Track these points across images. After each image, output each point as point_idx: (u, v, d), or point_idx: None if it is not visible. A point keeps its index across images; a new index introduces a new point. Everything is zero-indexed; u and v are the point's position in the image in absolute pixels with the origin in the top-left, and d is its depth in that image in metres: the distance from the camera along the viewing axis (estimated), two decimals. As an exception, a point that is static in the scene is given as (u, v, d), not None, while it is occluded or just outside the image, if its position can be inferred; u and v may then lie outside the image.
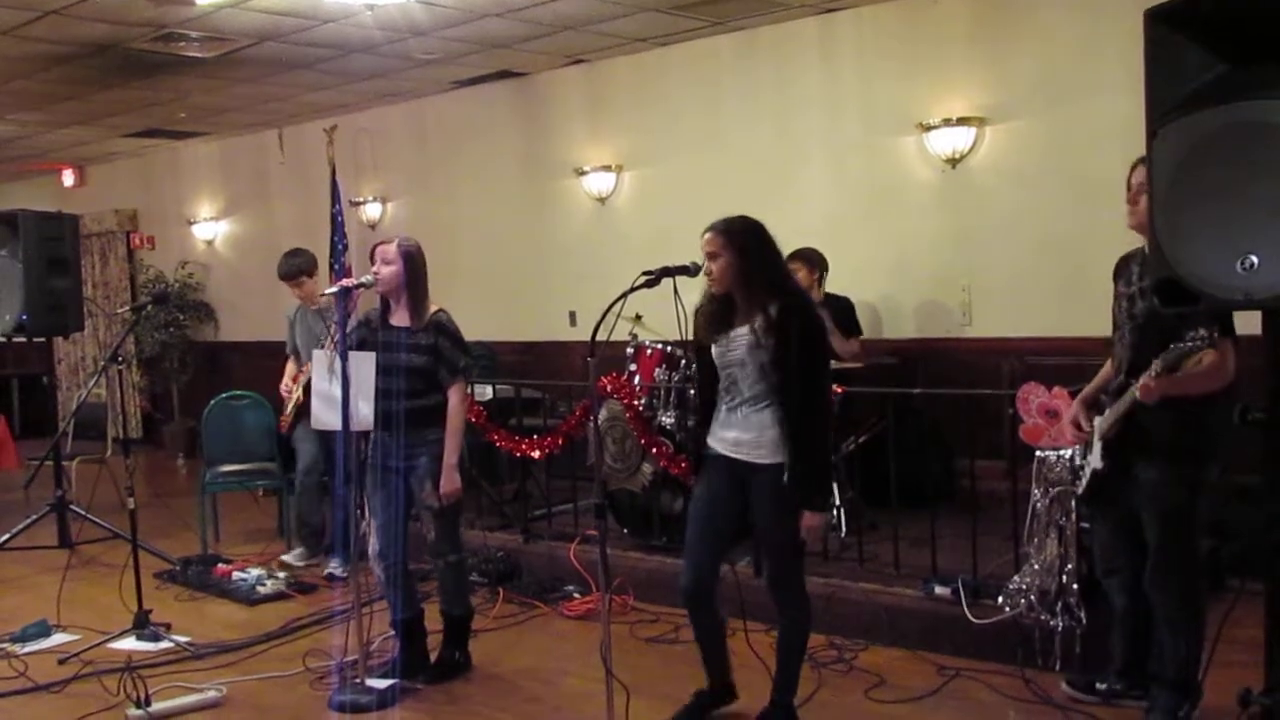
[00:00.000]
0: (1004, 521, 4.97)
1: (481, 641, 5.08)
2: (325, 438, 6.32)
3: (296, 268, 6.55)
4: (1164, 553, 3.72)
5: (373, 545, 4.71)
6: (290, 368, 6.64)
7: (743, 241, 3.83)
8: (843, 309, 6.53)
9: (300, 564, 6.57)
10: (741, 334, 3.86)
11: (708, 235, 3.87)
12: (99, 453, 8.38)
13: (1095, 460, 3.85)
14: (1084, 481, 3.96)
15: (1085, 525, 4.39)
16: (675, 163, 8.14)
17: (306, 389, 6.29)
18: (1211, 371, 3.49)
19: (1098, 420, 3.87)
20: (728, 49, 7.77)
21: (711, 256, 3.85)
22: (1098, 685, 4.14)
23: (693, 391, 5.91)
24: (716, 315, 3.93)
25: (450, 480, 4.56)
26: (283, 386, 6.60)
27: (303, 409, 6.36)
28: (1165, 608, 3.77)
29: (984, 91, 6.72)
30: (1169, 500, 3.69)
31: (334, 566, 6.39)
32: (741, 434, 3.89)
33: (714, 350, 3.94)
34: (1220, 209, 2.80)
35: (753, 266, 3.82)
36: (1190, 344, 3.23)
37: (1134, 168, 3.77)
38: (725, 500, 3.94)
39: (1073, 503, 4.34)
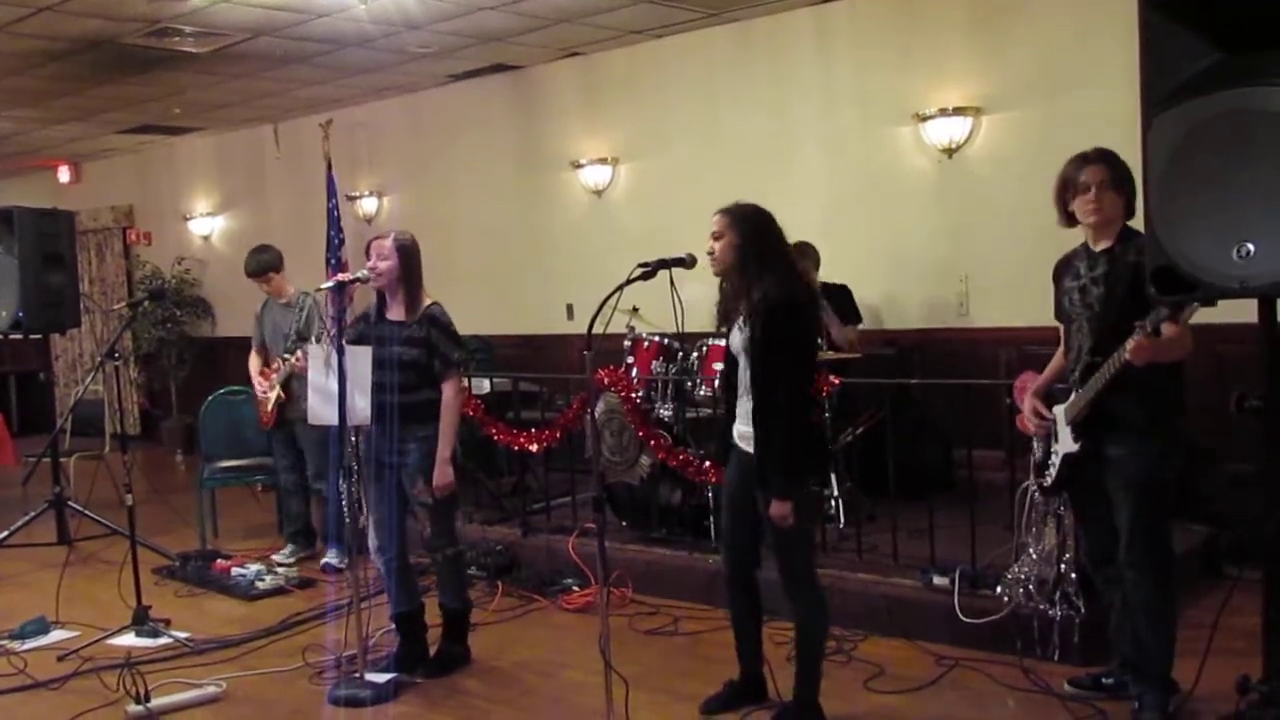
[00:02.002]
0: (1002, 511, 4.98)
1: (480, 635, 5.08)
2: (296, 439, 6.40)
3: (265, 264, 6.54)
4: (1137, 530, 3.73)
5: (372, 540, 4.71)
6: (255, 362, 6.64)
7: (743, 225, 3.85)
8: (840, 296, 6.52)
9: (290, 560, 6.55)
10: (737, 323, 3.91)
11: (716, 216, 3.91)
12: (97, 449, 8.40)
13: (1067, 444, 3.87)
14: (1052, 472, 3.96)
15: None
16: (671, 155, 8.13)
17: (285, 385, 6.34)
18: (1184, 337, 3.53)
19: (1060, 408, 3.89)
20: (723, 40, 7.76)
21: (716, 237, 3.88)
22: (1104, 680, 4.13)
23: (690, 384, 5.95)
24: (723, 305, 3.98)
25: (442, 474, 4.53)
26: (255, 386, 6.60)
27: (283, 406, 6.38)
28: (1141, 588, 3.77)
29: (980, 81, 6.71)
30: (1137, 472, 3.72)
31: (331, 557, 6.42)
32: (742, 425, 3.94)
33: (730, 342, 3.99)
34: (1216, 197, 2.80)
35: (748, 251, 3.83)
36: (1166, 311, 3.26)
37: (1079, 167, 3.79)
38: (742, 489, 3.97)
39: (1043, 497, 4.35)
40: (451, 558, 4.75)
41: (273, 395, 6.43)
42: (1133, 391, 3.63)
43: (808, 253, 6.46)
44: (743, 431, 3.95)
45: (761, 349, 3.76)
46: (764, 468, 3.79)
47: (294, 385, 6.28)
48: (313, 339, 6.12)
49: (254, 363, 6.65)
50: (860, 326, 6.65)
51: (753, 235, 3.84)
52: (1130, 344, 3.45)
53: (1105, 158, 3.78)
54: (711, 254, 3.89)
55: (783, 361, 3.75)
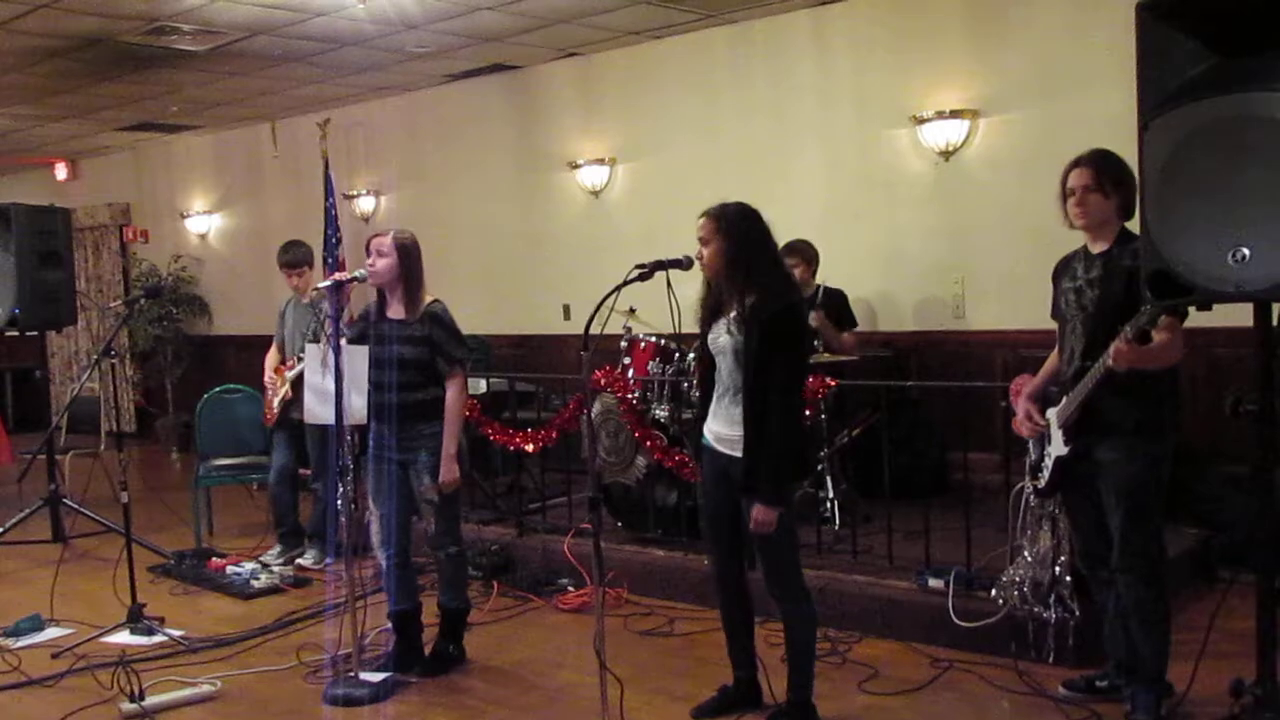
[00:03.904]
0: (998, 514, 4.98)
1: (476, 635, 5.09)
2: (299, 436, 6.38)
3: (302, 256, 6.58)
4: (1129, 533, 3.74)
5: (376, 535, 4.71)
6: (272, 356, 6.63)
7: (729, 228, 3.81)
8: (838, 302, 6.53)
9: (277, 562, 6.52)
10: (722, 324, 3.88)
11: (701, 220, 3.88)
12: (92, 447, 8.38)
13: (1058, 447, 3.87)
14: (1045, 475, 3.97)
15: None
16: (669, 156, 8.14)
17: (295, 384, 6.32)
18: (1171, 346, 3.54)
19: (1053, 411, 3.90)
20: (721, 41, 7.76)
21: (703, 242, 3.85)
22: (1098, 682, 4.13)
23: (686, 385, 5.94)
24: (709, 304, 3.95)
25: (449, 470, 4.55)
26: (266, 379, 6.61)
27: (289, 405, 6.38)
28: (1134, 591, 3.78)
29: (977, 84, 6.72)
30: (1130, 477, 3.72)
31: (306, 558, 6.47)
32: (721, 428, 3.90)
33: (708, 339, 3.95)
34: (1212, 201, 2.81)
35: (737, 254, 3.79)
36: (1151, 314, 3.27)
37: (1070, 170, 3.81)
38: (723, 494, 3.94)
39: (1038, 499, 4.36)
40: (455, 556, 4.76)
41: (280, 393, 6.43)
42: (1125, 395, 3.63)
43: (803, 251, 6.45)
44: (718, 433, 3.92)
45: (757, 358, 3.73)
46: (751, 474, 3.76)
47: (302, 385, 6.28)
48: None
49: (271, 358, 6.65)
50: (856, 329, 6.65)
51: (741, 242, 3.80)
52: (1110, 349, 3.46)
53: (1094, 161, 3.77)
54: (700, 257, 3.87)
55: (778, 369, 3.73)
